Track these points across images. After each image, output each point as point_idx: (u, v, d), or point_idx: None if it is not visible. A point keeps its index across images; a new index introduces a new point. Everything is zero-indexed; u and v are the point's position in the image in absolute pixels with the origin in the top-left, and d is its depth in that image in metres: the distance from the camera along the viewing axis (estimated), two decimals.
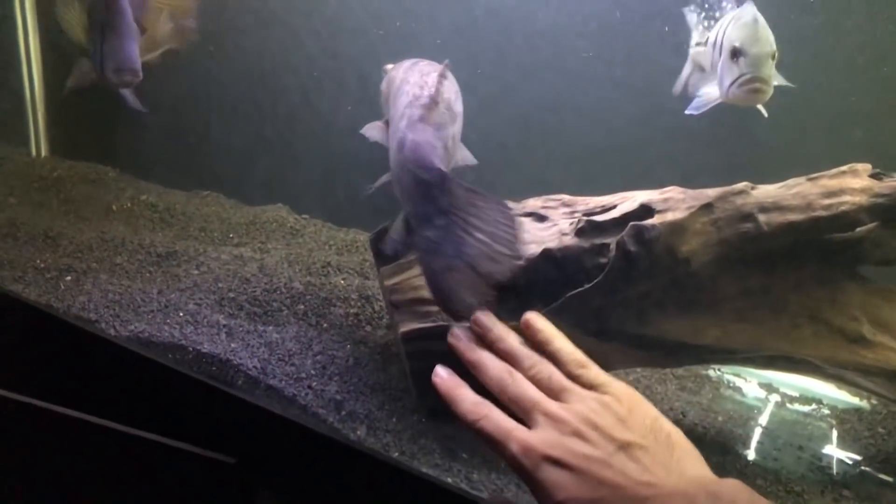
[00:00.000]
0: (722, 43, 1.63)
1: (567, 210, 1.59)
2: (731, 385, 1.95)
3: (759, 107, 1.66)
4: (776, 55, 1.57)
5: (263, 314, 1.90)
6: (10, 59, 2.66)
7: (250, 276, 2.03)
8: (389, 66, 1.79)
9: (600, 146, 2.14)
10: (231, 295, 1.94)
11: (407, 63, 1.71)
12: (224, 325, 1.79)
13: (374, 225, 2.42)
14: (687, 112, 1.74)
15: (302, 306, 1.94)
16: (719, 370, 1.98)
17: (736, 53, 1.56)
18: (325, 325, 1.88)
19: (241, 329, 1.79)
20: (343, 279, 2.11)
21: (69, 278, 2.01)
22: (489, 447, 0.84)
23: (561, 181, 1.71)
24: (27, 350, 1.92)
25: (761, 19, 1.59)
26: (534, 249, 1.50)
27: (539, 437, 0.82)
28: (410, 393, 1.62)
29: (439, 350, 1.51)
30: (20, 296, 1.93)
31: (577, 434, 0.82)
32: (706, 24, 1.71)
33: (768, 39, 1.57)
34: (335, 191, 2.40)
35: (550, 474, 0.76)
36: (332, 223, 2.49)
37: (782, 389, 1.94)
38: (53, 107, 2.73)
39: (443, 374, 1.04)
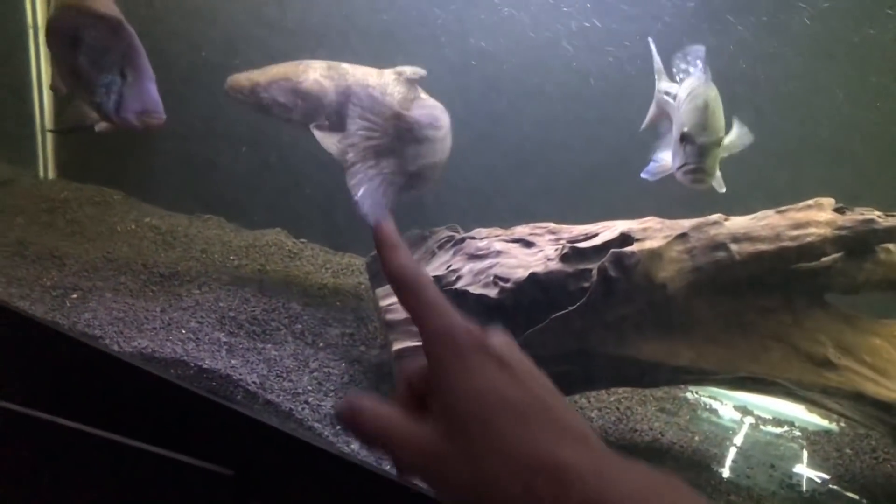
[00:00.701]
0: (680, 110, 1.67)
1: (553, 237, 1.69)
2: (708, 407, 2.04)
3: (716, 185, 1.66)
4: (722, 142, 1.59)
5: (262, 333, 1.98)
6: (21, 85, 2.75)
7: (250, 297, 2.12)
8: None
9: (584, 177, 2.24)
10: (231, 314, 2.03)
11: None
12: (224, 343, 1.87)
13: (369, 249, 2.53)
14: (642, 176, 1.77)
15: (299, 326, 2.03)
16: (697, 393, 2.07)
17: (684, 138, 1.57)
18: (321, 343, 1.97)
19: (240, 346, 1.87)
20: (339, 301, 2.20)
21: (75, 296, 2.09)
22: (413, 317, 0.71)
23: (547, 210, 1.81)
24: (33, 364, 2.00)
25: (713, 101, 1.56)
26: (520, 273, 1.59)
27: (480, 329, 0.71)
28: None
29: None
30: (27, 312, 2.01)
31: (511, 347, 0.72)
32: (680, 71, 1.72)
33: (716, 127, 1.56)
34: (333, 216, 2.49)
35: (485, 364, 0.66)
36: (329, 247, 2.58)
37: (756, 412, 2.03)
38: (62, 132, 2.82)
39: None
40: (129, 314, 2.00)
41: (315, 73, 1.96)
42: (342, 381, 1.79)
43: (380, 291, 1.77)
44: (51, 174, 2.89)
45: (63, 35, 1.75)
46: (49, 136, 2.83)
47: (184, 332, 1.92)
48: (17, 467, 1.77)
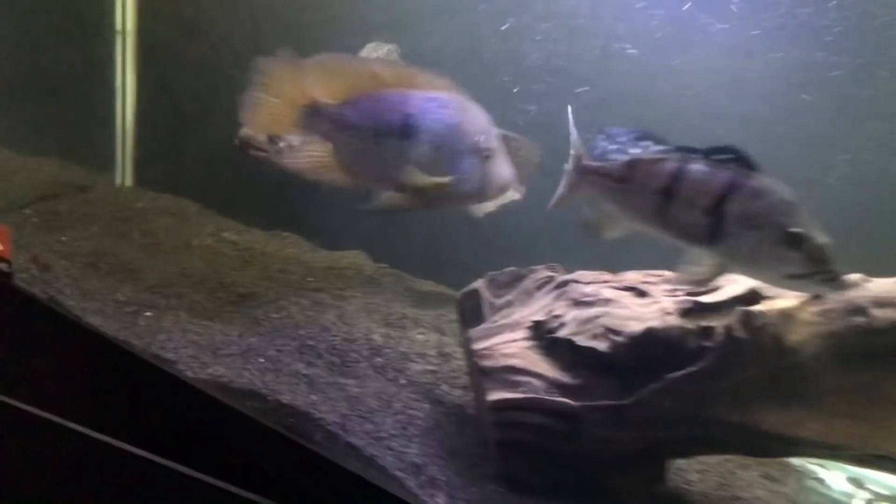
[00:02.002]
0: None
1: (668, 287, 1.55)
2: (816, 477, 1.87)
3: None
4: None
5: (342, 364, 1.87)
6: (105, 90, 2.70)
7: (329, 325, 2.02)
8: None
9: None
10: (311, 342, 1.93)
11: None
12: (304, 375, 1.77)
13: (452, 279, 2.42)
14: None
15: (380, 359, 1.91)
16: (803, 459, 1.90)
17: (792, 241, 1.32)
18: (403, 381, 1.85)
19: (321, 380, 1.76)
20: (420, 333, 2.08)
21: (149, 314, 2.00)
22: None
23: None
24: (103, 386, 1.91)
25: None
26: (635, 327, 1.46)
27: None
28: (490, 461, 1.57)
29: (529, 422, 1.48)
30: (99, 330, 1.92)
31: None
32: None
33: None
34: (415, 242, 2.39)
35: None
36: (409, 274, 2.47)
37: (871, 486, 1.86)
38: (143, 139, 2.76)
39: None
40: (204, 337, 1.91)
41: None
42: (427, 425, 1.67)
43: (474, 333, 1.65)
44: (128, 181, 2.83)
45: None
46: (129, 144, 2.77)
47: (262, 360, 1.83)
48: (80, 493, 1.69)
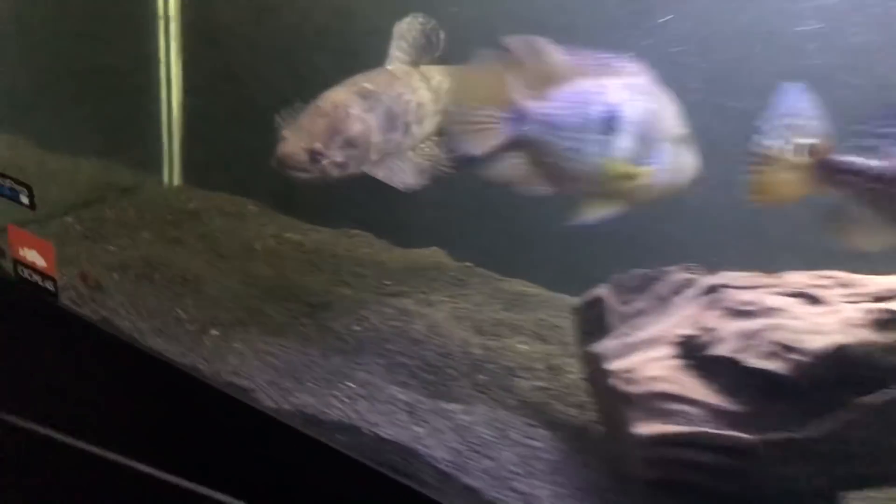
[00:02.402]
0: None
1: (845, 292, 1.29)
2: None
3: None
4: None
5: (440, 384, 1.64)
6: (149, 81, 2.47)
7: (420, 336, 1.78)
8: None
9: None
10: (402, 359, 1.70)
11: None
12: (403, 402, 1.54)
13: (542, 277, 2.17)
14: None
15: (483, 376, 1.68)
16: None
17: None
18: (512, 402, 1.62)
19: (422, 407, 1.53)
20: (522, 342, 1.84)
21: (215, 332, 1.78)
22: None
23: None
24: (168, 419, 1.69)
25: None
26: (818, 343, 1.20)
27: None
28: (635, 501, 1.33)
29: (691, 460, 1.23)
30: (162, 355, 1.70)
31: None
32: None
33: None
34: (499, 235, 2.13)
35: None
36: (496, 272, 2.22)
37: None
38: (190, 134, 2.53)
39: None
40: (282, 358, 1.68)
41: None
42: (551, 458, 1.44)
43: (605, 350, 1.40)
44: (176, 180, 2.60)
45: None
46: (176, 138, 2.53)
47: (352, 385, 1.60)
48: None
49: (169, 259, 2.09)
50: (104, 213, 2.33)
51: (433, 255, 2.29)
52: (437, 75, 1.76)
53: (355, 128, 1.58)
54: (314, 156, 1.53)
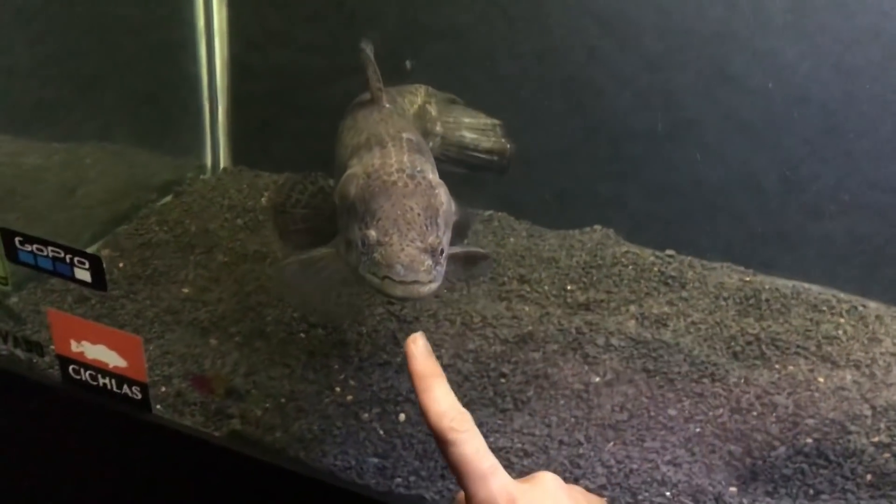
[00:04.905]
0: None
1: None
2: None
3: None
4: None
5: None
6: (190, 69, 1.83)
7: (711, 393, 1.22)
8: None
9: None
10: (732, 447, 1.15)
11: None
12: None
13: (763, 261, 1.62)
14: None
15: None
16: None
17: None
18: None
19: None
20: (821, 373, 1.30)
21: (402, 418, 1.20)
22: (453, 473, 0.69)
23: None
24: None
25: None
26: None
27: (523, 490, 0.69)
28: None
29: None
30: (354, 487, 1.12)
31: None
32: None
33: None
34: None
35: None
36: (704, 259, 1.66)
37: None
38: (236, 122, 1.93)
39: (420, 346, 0.76)
40: (540, 441, 1.11)
41: None
42: None
43: None
44: (222, 162, 1.94)
45: None
46: (223, 128, 1.89)
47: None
48: None
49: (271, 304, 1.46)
50: (150, 232, 1.68)
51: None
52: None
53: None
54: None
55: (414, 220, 0.91)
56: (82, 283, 1.16)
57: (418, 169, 0.98)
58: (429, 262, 0.88)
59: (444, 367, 1.26)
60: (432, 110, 1.30)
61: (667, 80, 1.55)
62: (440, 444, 0.70)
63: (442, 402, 0.72)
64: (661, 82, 1.55)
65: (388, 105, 1.17)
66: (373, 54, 1.17)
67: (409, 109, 1.26)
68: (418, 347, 0.76)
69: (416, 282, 0.86)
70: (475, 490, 0.68)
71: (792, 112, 1.49)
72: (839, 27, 1.41)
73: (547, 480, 0.72)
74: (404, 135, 1.07)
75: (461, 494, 0.71)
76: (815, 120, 1.48)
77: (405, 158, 1.01)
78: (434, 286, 0.88)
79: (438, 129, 1.30)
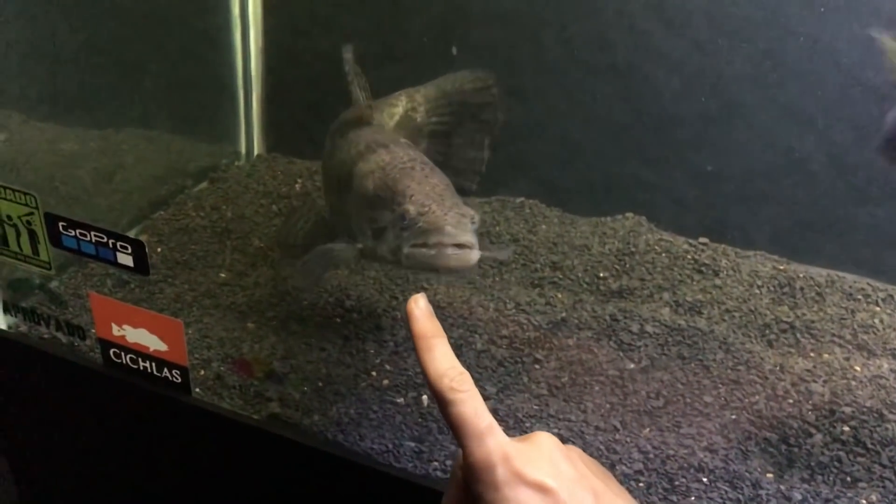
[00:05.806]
0: None
1: None
2: None
3: None
4: None
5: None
6: (225, 57, 1.85)
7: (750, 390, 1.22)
8: None
9: None
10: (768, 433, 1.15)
11: None
12: None
13: (803, 248, 1.61)
14: None
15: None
16: None
17: None
18: None
19: None
20: (857, 361, 1.30)
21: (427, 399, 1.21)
22: (452, 432, 0.69)
23: None
24: None
25: None
26: None
27: (519, 449, 0.68)
28: None
29: None
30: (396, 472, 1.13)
31: (554, 464, 0.68)
32: None
33: None
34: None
35: (524, 495, 0.66)
36: (738, 248, 1.65)
37: None
38: (271, 110, 1.94)
39: (422, 307, 0.74)
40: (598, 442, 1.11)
41: None
42: None
43: None
44: (256, 150, 1.95)
45: None
46: (257, 116, 1.90)
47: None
48: None
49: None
50: (186, 217, 1.70)
51: (644, 228, 1.70)
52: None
53: None
54: None
55: (444, 193, 0.94)
56: (125, 267, 1.17)
57: (426, 161, 1.01)
58: (470, 225, 0.90)
59: (479, 353, 1.28)
60: (417, 116, 1.29)
61: (714, 65, 1.54)
62: (440, 403, 0.70)
63: (442, 362, 0.72)
64: (709, 67, 1.54)
65: (375, 122, 1.19)
66: (353, 60, 1.19)
67: (388, 123, 1.26)
68: (420, 308, 0.75)
69: (464, 247, 0.88)
70: (472, 448, 0.68)
71: (843, 98, 1.47)
72: (892, 10, 1.39)
73: (543, 440, 0.71)
74: (400, 140, 1.12)
75: (461, 452, 0.71)
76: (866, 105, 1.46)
77: (412, 153, 1.04)
78: (478, 254, 0.90)
79: (425, 133, 1.29)
